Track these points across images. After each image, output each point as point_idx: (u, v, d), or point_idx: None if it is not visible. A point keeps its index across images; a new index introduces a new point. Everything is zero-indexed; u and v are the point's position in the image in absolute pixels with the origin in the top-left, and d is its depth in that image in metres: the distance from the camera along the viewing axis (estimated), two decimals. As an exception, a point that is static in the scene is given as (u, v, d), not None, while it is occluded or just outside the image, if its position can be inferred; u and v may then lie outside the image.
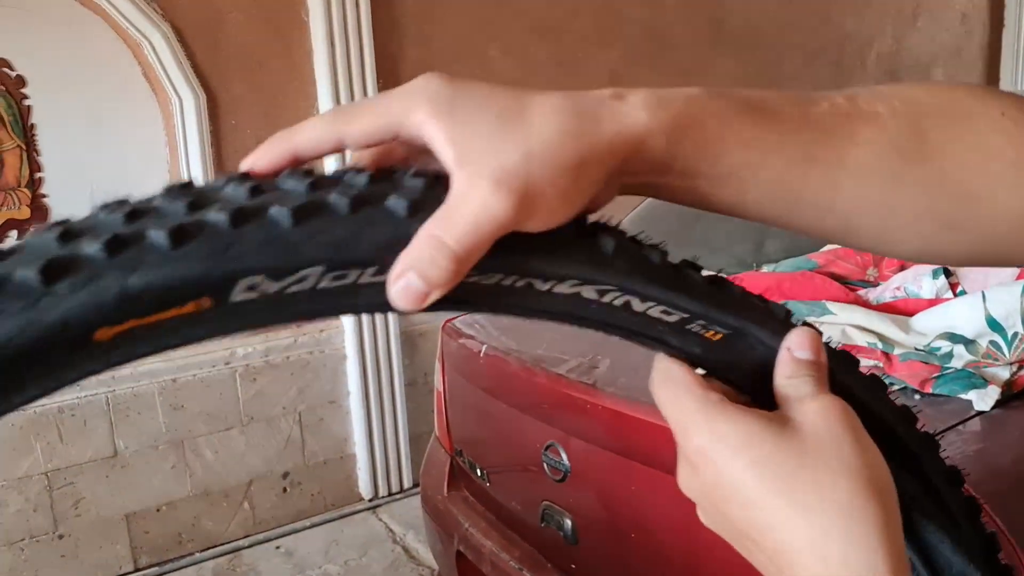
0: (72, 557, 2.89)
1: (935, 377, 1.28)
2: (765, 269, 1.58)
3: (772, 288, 1.46)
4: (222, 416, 3.10)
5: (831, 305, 1.35)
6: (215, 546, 3.11)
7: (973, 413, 1.26)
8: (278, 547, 3.11)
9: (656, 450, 1.37)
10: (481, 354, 1.86)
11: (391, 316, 3.37)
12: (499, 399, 1.81)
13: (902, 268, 1.42)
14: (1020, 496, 1.20)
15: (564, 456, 1.56)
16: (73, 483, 2.88)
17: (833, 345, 0.46)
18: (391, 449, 3.43)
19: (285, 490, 3.24)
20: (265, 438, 3.18)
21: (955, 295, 1.34)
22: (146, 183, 2.88)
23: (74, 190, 2.91)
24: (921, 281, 1.37)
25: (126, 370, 2.92)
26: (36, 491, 2.83)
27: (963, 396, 1.27)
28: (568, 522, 1.59)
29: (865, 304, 1.37)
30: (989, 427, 1.25)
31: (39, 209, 2.88)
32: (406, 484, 3.45)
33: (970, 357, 1.26)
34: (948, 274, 1.37)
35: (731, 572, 1.36)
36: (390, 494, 3.42)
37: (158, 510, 3.03)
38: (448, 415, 2.07)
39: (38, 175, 2.87)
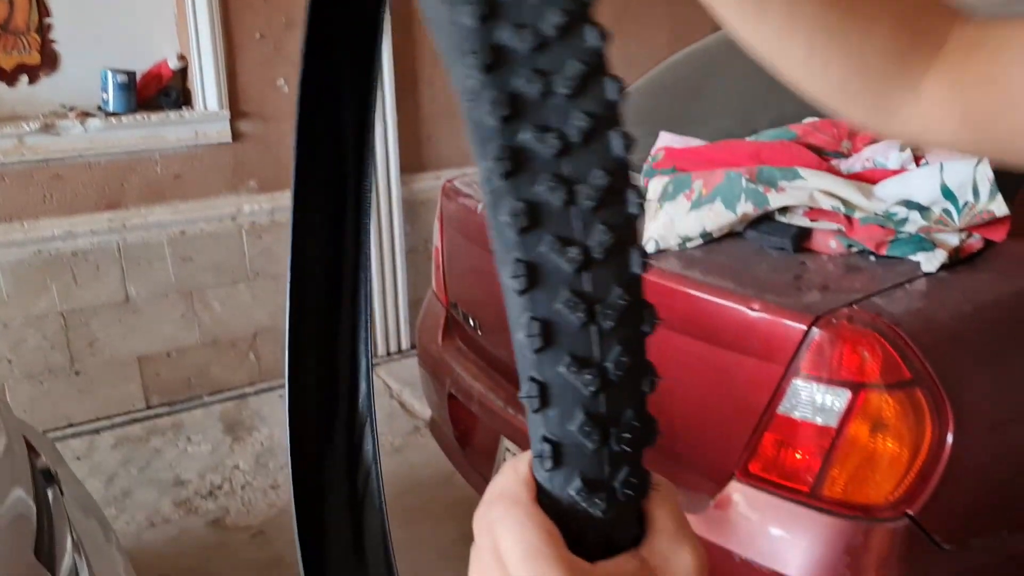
0: (88, 393, 3.08)
1: (890, 240, 1.40)
2: (749, 140, 1.68)
3: (752, 155, 1.56)
4: (229, 270, 3.24)
5: (802, 171, 1.45)
6: (222, 391, 3.30)
7: (920, 274, 1.38)
8: (281, 395, 3.30)
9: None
10: (478, 210, 1.97)
11: (393, 183, 3.46)
12: (493, 254, 1.93)
13: (874, 142, 1.52)
14: (954, 347, 1.34)
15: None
16: (88, 324, 3.04)
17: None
18: (391, 312, 3.59)
19: (288, 343, 3.41)
20: (270, 294, 3.33)
21: (918, 167, 1.44)
22: (153, 28, 2.91)
23: (82, 35, 2.95)
24: (889, 153, 1.47)
25: (136, 219, 3.04)
26: (53, 330, 2.99)
27: (913, 258, 1.39)
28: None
29: (836, 173, 1.48)
30: (934, 287, 1.38)
31: (48, 55, 2.93)
32: (404, 346, 3.62)
33: (923, 223, 1.37)
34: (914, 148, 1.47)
35: (697, 407, 1.51)
36: (388, 354, 3.60)
37: (168, 355, 3.20)
38: (445, 270, 2.20)
39: (47, 20, 2.91)
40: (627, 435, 0.35)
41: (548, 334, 0.34)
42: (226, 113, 3.12)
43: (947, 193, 1.35)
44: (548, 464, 0.35)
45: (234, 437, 3.04)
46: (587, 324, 0.34)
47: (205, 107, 3.12)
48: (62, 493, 1.68)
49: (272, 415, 3.17)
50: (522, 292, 0.34)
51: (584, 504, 0.35)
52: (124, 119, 2.97)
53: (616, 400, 0.35)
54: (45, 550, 1.39)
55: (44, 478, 1.62)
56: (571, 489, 0.35)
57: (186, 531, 2.54)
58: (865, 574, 1.32)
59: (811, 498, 1.36)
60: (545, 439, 0.35)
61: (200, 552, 2.44)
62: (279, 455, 2.93)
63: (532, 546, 0.34)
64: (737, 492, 1.43)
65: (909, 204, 1.37)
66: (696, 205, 1.51)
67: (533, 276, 0.34)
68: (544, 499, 0.36)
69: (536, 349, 0.34)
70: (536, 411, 0.35)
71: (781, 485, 1.39)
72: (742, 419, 1.43)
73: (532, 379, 0.35)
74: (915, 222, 1.37)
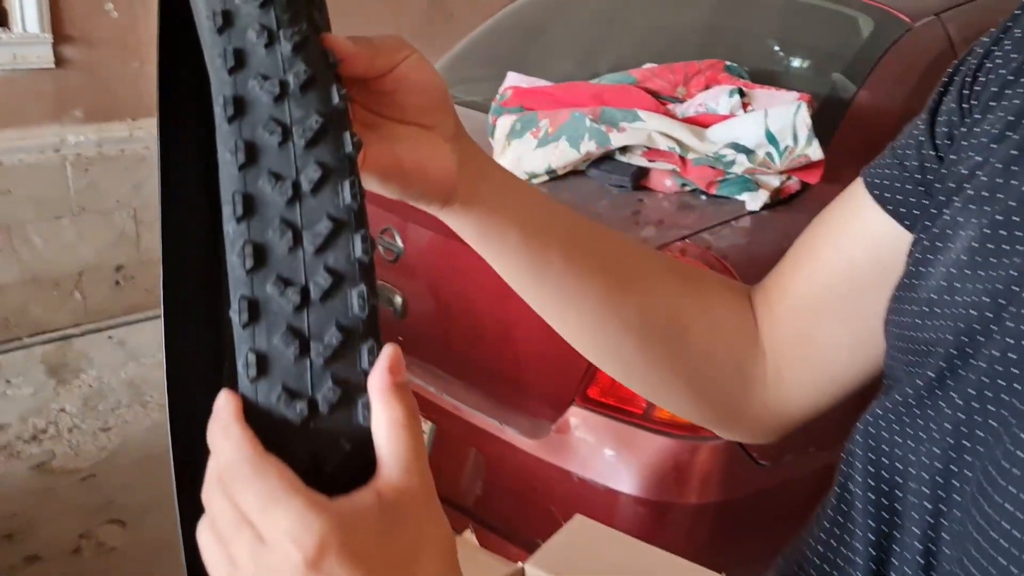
0: None
1: (719, 180, 1.51)
2: (591, 82, 1.75)
3: (595, 96, 1.62)
4: (52, 204, 3.04)
5: (642, 113, 1.54)
6: (44, 332, 3.12)
7: (745, 212, 1.50)
8: (110, 337, 3.16)
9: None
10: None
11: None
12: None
13: (707, 87, 1.62)
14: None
15: (398, 239, 1.71)
16: None
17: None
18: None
19: (118, 283, 3.25)
20: (98, 230, 3.15)
21: (746, 112, 1.55)
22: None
23: None
24: (719, 99, 1.57)
25: (-55, 147, 2.79)
26: None
27: (739, 197, 1.50)
28: (399, 299, 1.76)
29: (672, 116, 1.57)
30: (757, 225, 1.50)
31: None
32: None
33: (749, 165, 1.48)
34: (742, 94, 1.58)
35: (538, 337, 1.58)
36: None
37: (-18, 293, 2.98)
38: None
39: None
40: (327, 348, 0.37)
41: (259, 256, 0.37)
42: (48, 36, 2.89)
43: (770, 137, 1.47)
44: (252, 372, 0.37)
45: (58, 380, 2.89)
46: (293, 249, 0.38)
47: (24, 29, 2.89)
48: None
49: (100, 357, 3.02)
50: (239, 220, 0.38)
51: (285, 410, 0.36)
52: (-72, 35, 2.71)
53: (319, 316, 0.37)
54: None
55: None
56: (273, 396, 0.36)
57: (8, 475, 2.41)
58: (690, 487, 1.45)
59: (644, 419, 1.46)
60: (252, 351, 0.37)
61: (24, 497, 2.33)
62: (109, 397, 2.81)
63: (256, 471, 0.35)
64: (576, 416, 1.52)
65: (737, 147, 1.48)
66: (542, 143, 1.56)
67: (249, 207, 0.38)
68: (250, 414, 0.37)
69: (248, 269, 0.37)
70: (245, 326, 0.37)
71: (617, 408, 1.49)
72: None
73: (242, 296, 0.37)
74: (742, 164, 1.48)
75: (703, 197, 1.54)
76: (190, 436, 0.52)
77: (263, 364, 0.37)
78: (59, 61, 2.95)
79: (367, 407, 0.37)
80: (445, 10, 3.89)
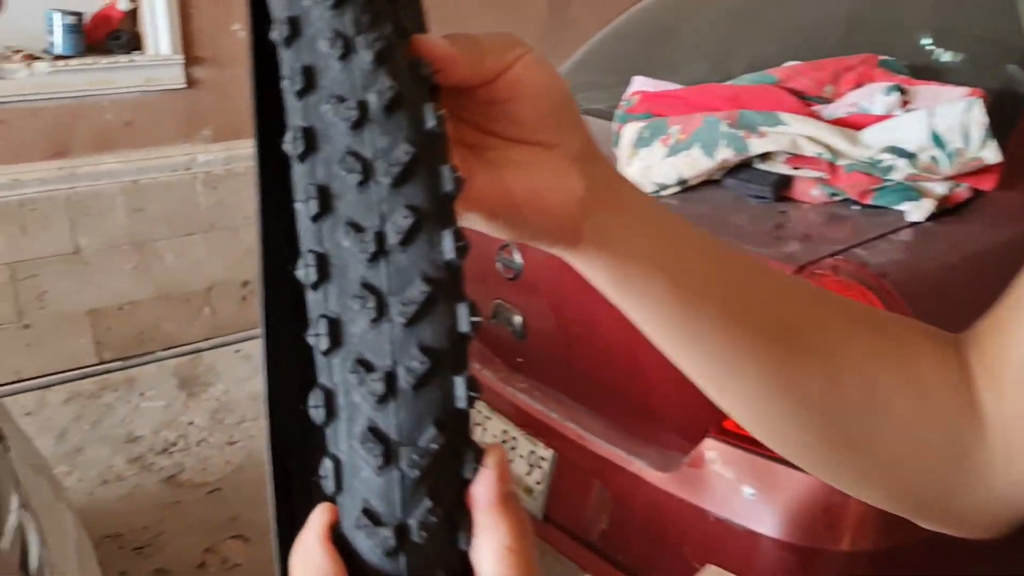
0: (37, 347, 2.96)
1: (875, 189, 1.35)
2: (727, 84, 1.61)
3: (732, 99, 1.49)
4: (183, 221, 3.12)
5: (784, 116, 1.39)
6: (176, 346, 3.20)
7: (906, 224, 1.34)
8: (237, 350, 3.21)
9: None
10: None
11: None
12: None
13: (858, 85, 1.46)
14: (940, 300, 1.30)
15: (517, 256, 1.62)
16: (36, 275, 2.91)
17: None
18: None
19: (245, 298, 3.31)
20: (226, 246, 3.22)
21: (905, 112, 1.39)
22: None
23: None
24: (874, 97, 1.41)
25: (87, 168, 2.90)
26: (0, 281, 2.86)
27: (898, 208, 1.34)
28: (518, 319, 1.67)
29: (818, 118, 1.42)
30: (920, 238, 1.33)
31: (-8, -7, 2.77)
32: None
33: (910, 171, 1.32)
34: (901, 91, 1.41)
35: (665, 362, 1.46)
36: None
37: (120, 308, 3.09)
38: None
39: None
40: (423, 456, 0.28)
41: (334, 336, 0.29)
42: (180, 58, 2.98)
43: (936, 140, 1.30)
44: (331, 486, 0.29)
45: (189, 393, 2.95)
46: (376, 323, 0.29)
47: (157, 51, 2.98)
48: (8, 450, 1.60)
49: (228, 371, 3.08)
50: (313, 287, 0.30)
51: (370, 541, 0.28)
52: (72, 62, 2.82)
53: (410, 409, 0.28)
54: (-15, 511, 1.31)
55: (-12, 437, 1.54)
56: (353, 521, 0.29)
57: (140, 487, 2.46)
58: (843, 532, 1.29)
59: (788, 455, 1.31)
60: (329, 456, 0.29)
61: (154, 510, 2.37)
62: (235, 411, 2.85)
63: None
64: (712, 449, 1.39)
65: (896, 151, 1.32)
66: (673, 151, 1.44)
67: (323, 271, 0.30)
68: (337, 534, 0.29)
69: (324, 351, 0.29)
70: (324, 424, 0.29)
71: (757, 442, 1.35)
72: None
73: (319, 385, 0.29)
74: (901, 170, 1.32)
75: (855, 208, 1.38)
76: (288, 453, 0.49)
77: (339, 476, 0.29)
78: (190, 82, 3.03)
79: (469, 528, 0.28)
80: (566, 16, 3.80)
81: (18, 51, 2.82)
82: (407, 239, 0.29)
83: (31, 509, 1.57)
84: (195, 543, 2.24)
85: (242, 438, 2.71)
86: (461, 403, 0.29)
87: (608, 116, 1.71)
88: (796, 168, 1.41)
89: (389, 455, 0.28)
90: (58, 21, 2.80)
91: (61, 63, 2.80)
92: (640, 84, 1.69)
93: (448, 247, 0.29)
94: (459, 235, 0.30)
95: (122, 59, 2.91)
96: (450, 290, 0.29)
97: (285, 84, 0.31)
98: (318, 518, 0.30)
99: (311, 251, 0.30)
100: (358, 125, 0.30)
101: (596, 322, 1.54)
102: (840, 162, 1.35)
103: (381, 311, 0.29)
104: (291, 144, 0.31)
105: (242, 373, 3.06)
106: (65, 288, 2.96)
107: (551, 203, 0.39)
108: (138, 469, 2.54)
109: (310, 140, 0.31)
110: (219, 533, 2.28)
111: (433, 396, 0.29)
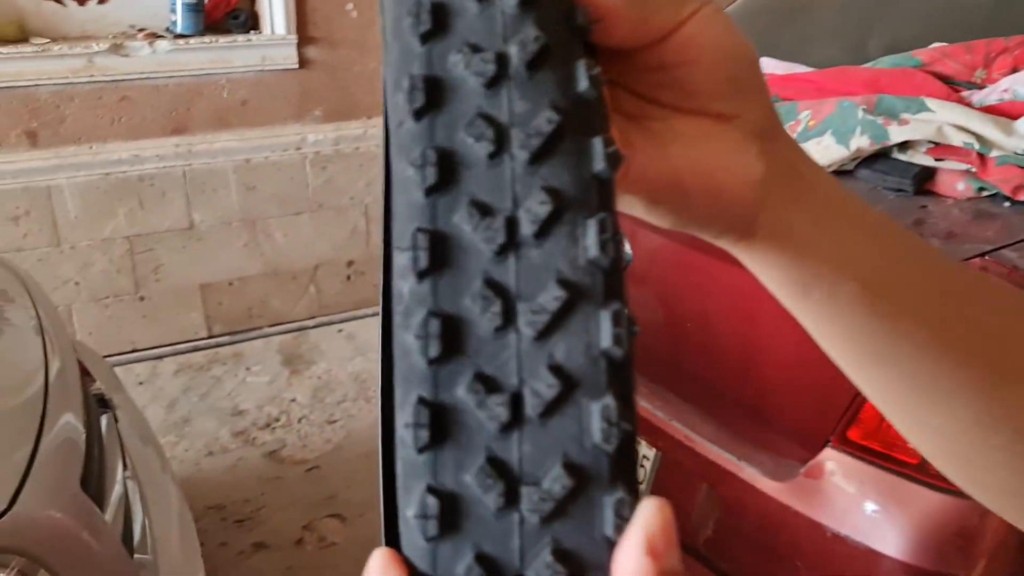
0: (152, 318, 3.06)
1: (1030, 184, 1.22)
2: (864, 67, 1.49)
3: (870, 83, 1.38)
4: (292, 200, 3.16)
5: (930, 102, 1.28)
6: (282, 323, 3.26)
7: (1065, 224, 1.21)
8: (340, 330, 3.25)
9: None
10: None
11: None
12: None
13: (1015, 70, 1.33)
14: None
15: (626, 246, 1.55)
16: (153, 249, 3.00)
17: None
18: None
19: (349, 278, 3.34)
20: (333, 226, 3.25)
21: (1068, 100, 1.25)
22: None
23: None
24: (1033, 83, 1.28)
25: (203, 146, 2.97)
26: (119, 254, 2.96)
27: (1057, 205, 1.21)
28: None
29: (968, 105, 1.30)
30: (1080, 240, 1.20)
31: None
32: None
33: (1073, 165, 1.19)
34: (1064, 77, 1.28)
35: (789, 363, 1.37)
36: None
37: (230, 284, 3.16)
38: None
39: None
40: (548, 498, 0.23)
41: (450, 344, 0.24)
42: (293, 38, 3.01)
43: (1104, 131, 1.17)
44: (431, 529, 0.23)
45: (292, 370, 3.00)
46: (501, 332, 0.24)
47: (273, 31, 3.01)
48: (116, 420, 1.63)
49: (331, 350, 3.11)
50: (420, 277, 0.24)
51: None
52: (192, 41, 2.88)
53: (537, 442, 0.23)
54: (94, 479, 1.33)
55: (99, 404, 1.57)
56: (461, 568, 0.23)
57: (243, 460, 2.51)
58: (977, 561, 1.18)
59: (919, 472, 1.21)
60: (430, 491, 0.23)
61: (256, 484, 2.41)
62: (337, 390, 2.88)
63: None
64: (832, 460, 1.29)
65: (1057, 143, 1.19)
66: (803, 138, 1.34)
67: (439, 257, 0.24)
68: None
69: (433, 359, 0.23)
70: (421, 449, 0.23)
71: (884, 455, 1.25)
72: (841, 379, 1.28)
73: (420, 399, 0.23)
74: (1062, 164, 1.19)
75: (1007, 204, 1.25)
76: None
77: (449, 514, 0.23)
78: (302, 62, 3.06)
79: None
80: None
81: (141, 30, 2.90)
82: (543, 230, 0.24)
83: (137, 480, 1.60)
84: (294, 519, 2.26)
85: (342, 417, 2.72)
86: (599, 439, 0.23)
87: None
88: (940, 159, 1.29)
89: (510, 494, 0.23)
90: (180, 1, 2.86)
91: (182, 42, 2.87)
92: (769, 66, 1.59)
93: (594, 241, 0.24)
94: (610, 225, 0.24)
95: (240, 39, 2.96)
96: (593, 297, 0.24)
97: (406, 22, 0.25)
98: (381, 571, 0.24)
99: (421, 230, 0.24)
100: (494, 83, 0.25)
101: (709, 318, 1.46)
102: (992, 153, 1.23)
103: (508, 320, 0.24)
104: (406, 96, 0.25)
105: (345, 353, 3.09)
106: (179, 262, 3.05)
107: (724, 186, 0.33)
108: (242, 443, 2.59)
109: (433, 94, 0.25)
110: (317, 511, 2.29)
111: (563, 427, 0.23)
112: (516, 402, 0.23)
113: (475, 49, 0.25)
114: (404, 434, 0.23)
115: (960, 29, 1.56)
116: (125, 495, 1.45)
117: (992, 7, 1.67)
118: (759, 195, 0.33)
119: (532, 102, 0.24)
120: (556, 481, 0.22)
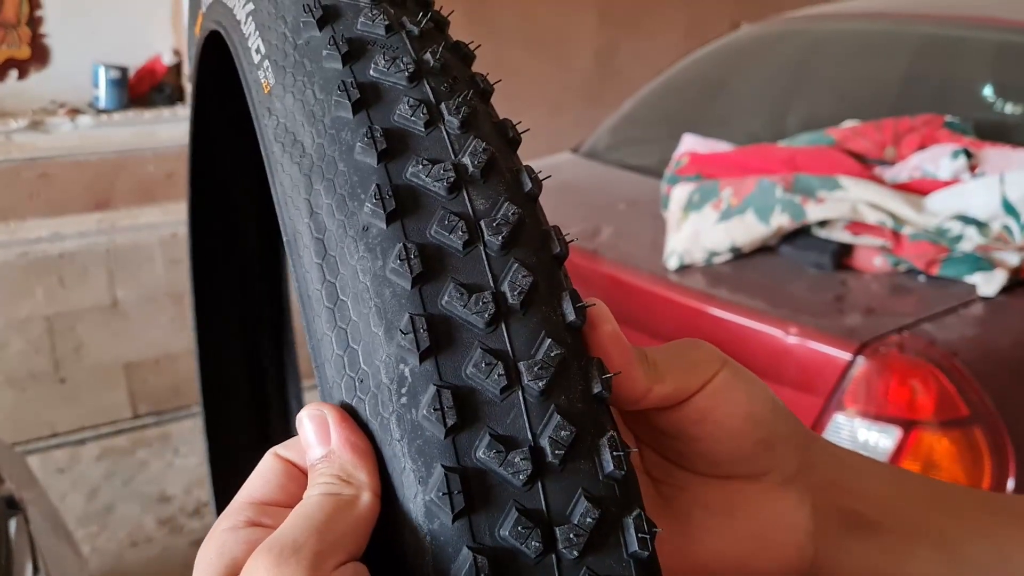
0: (73, 400, 2.94)
1: (942, 259, 1.26)
2: (781, 144, 1.54)
3: (787, 161, 1.41)
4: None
5: (843, 180, 1.31)
6: (212, 400, 3.16)
7: (977, 297, 1.24)
8: (274, 405, 3.17)
9: (649, 317, 1.36)
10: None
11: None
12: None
13: (922, 147, 1.38)
14: (1016, 380, 1.20)
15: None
16: (73, 328, 2.90)
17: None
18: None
19: (283, 351, 3.27)
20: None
21: (974, 177, 1.30)
22: (148, 23, 2.80)
23: (74, 29, 2.83)
24: (939, 161, 1.33)
25: (127, 220, 2.90)
26: (37, 333, 2.85)
27: (968, 279, 1.24)
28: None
29: (880, 182, 1.34)
30: (993, 313, 1.24)
31: (39, 49, 2.81)
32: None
33: (980, 240, 1.23)
34: (968, 155, 1.32)
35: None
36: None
37: (157, 362, 3.06)
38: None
39: (38, 13, 2.78)
40: (579, 532, 0.25)
41: (463, 406, 0.26)
42: (221, 111, 2.98)
43: (1008, 207, 1.21)
44: None
45: (224, 450, 2.91)
46: (508, 389, 0.26)
47: (200, 104, 2.99)
48: (28, 521, 1.55)
49: (265, 427, 3.03)
50: (424, 355, 0.27)
51: None
52: (116, 116, 2.84)
53: (561, 484, 0.26)
54: (1, 585, 1.26)
55: (7, 506, 1.50)
56: None
57: (168, 550, 2.41)
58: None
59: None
60: (476, 551, 0.24)
61: (182, 574, 2.30)
62: (270, 471, 2.80)
63: None
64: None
65: (965, 219, 1.23)
66: (725, 216, 1.37)
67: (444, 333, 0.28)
68: None
69: (451, 427, 0.25)
70: (456, 518, 0.25)
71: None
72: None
73: (449, 469, 0.25)
74: (971, 239, 1.23)
75: (922, 279, 1.29)
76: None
77: (499, 567, 0.24)
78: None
79: None
80: (612, 66, 3.77)
81: (63, 105, 2.85)
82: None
83: (49, 581, 1.51)
84: (223, 610, 2.17)
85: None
86: (609, 467, 0.26)
87: (657, 173, 1.65)
88: (857, 236, 1.32)
89: (547, 537, 0.25)
90: (103, 75, 2.82)
91: (105, 117, 2.82)
92: (690, 144, 1.63)
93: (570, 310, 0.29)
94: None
95: (165, 112, 2.93)
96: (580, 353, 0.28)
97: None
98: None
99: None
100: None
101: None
102: (904, 230, 1.26)
103: (512, 378, 0.27)
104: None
105: (277, 429, 3.01)
106: (102, 341, 2.95)
107: (771, 548, 0.29)
108: (168, 531, 2.48)
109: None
110: (248, 599, 2.20)
111: (580, 467, 0.26)
112: (537, 453, 0.25)
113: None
114: (434, 505, 0.24)
115: (871, 105, 1.62)
116: (36, 600, 1.37)
117: (901, 85, 1.74)
118: (811, 541, 0.29)
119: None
120: (585, 515, 0.25)
